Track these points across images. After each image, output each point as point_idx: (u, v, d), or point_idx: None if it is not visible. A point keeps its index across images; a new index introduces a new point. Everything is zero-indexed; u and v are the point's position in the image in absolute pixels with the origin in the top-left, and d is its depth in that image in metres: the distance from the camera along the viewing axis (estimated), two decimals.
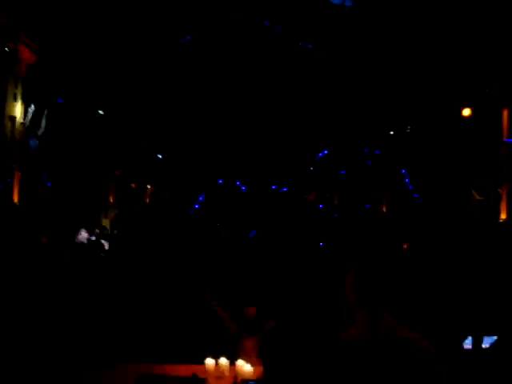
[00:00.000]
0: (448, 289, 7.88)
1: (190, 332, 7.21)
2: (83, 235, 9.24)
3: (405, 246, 8.79)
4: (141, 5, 10.72)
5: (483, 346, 6.38)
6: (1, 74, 9.15)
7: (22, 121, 9.33)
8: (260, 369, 5.99)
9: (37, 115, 9.57)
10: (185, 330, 7.29)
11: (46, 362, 6.21)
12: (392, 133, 11.26)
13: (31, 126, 9.53)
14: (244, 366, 6.10)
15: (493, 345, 6.27)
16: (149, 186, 11.36)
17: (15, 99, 9.29)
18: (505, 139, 9.72)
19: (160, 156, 11.49)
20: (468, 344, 6.69)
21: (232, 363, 5.59)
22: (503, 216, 9.51)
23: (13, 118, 9.22)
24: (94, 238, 9.17)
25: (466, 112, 10.18)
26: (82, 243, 9.10)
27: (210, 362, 6.03)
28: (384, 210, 10.69)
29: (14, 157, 9.30)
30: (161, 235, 9.78)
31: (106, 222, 10.35)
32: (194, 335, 7.12)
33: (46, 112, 9.58)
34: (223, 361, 6.00)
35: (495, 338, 6.22)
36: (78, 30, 10.17)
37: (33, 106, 9.37)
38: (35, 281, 7.79)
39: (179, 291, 8.21)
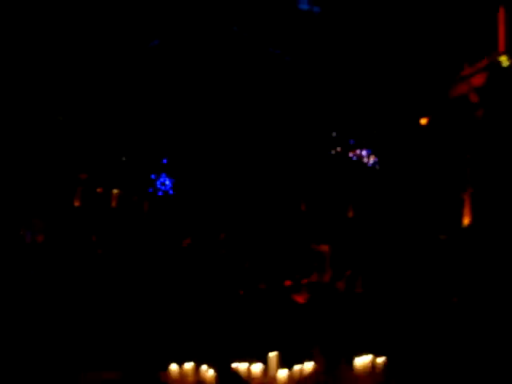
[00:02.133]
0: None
1: (154, 338, 7.16)
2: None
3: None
4: (110, 8, 10.67)
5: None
6: None
7: None
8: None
9: None
10: (149, 336, 7.23)
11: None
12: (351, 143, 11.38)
13: None
14: (208, 371, 6.10)
15: None
16: (115, 190, 11.25)
17: None
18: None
19: (124, 158, 11.40)
20: None
21: (197, 368, 5.58)
22: (466, 221, 9.68)
23: None
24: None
25: (424, 121, 10.37)
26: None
27: (174, 367, 6.01)
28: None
29: None
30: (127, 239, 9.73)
31: None
32: (158, 341, 7.07)
33: None
34: (188, 365, 5.99)
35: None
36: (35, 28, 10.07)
37: None
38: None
39: (148, 294, 8.16)
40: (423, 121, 10.69)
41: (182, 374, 6.05)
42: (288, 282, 8.43)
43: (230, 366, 5.73)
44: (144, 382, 5.70)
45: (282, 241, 10.21)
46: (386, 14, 10.97)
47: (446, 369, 6.74)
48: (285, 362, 6.28)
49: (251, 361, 6.30)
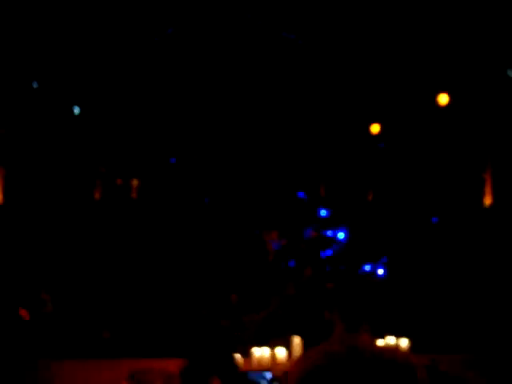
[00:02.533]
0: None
1: (179, 325, 7.22)
2: None
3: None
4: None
5: None
6: None
7: None
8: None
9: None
10: (174, 323, 7.29)
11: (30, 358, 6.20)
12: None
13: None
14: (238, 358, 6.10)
15: None
16: (135, 182, 11.31)
17: None
18: None
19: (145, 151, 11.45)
20: None
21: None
22: (488, 201, 9.59)
23: None
24: None
25: (444, 100, 10.24)
26: None
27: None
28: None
29: None
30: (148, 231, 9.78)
31: None
32: (183, 328, 7.12)
33: None
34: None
35: None
36: (54, 21, 10.10)
37: None
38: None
39: (167, 285, 8.22)
40: (443, 99, 10.54)
41: None
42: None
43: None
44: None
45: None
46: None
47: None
48: (307, 346, 6.29)
49: (274, 345, 6.33)
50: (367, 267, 9.04)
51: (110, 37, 11.04)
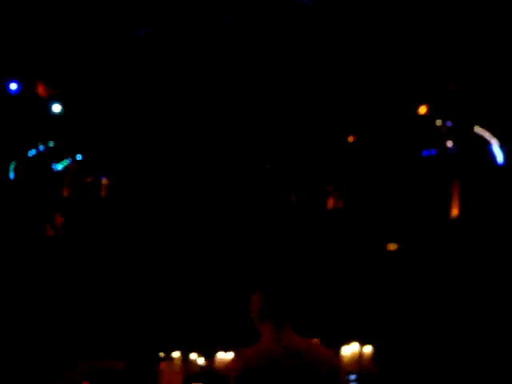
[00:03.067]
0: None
1: (144, 326, 7.16)
2: None
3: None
4: None
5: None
6: None
7: None
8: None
9: None
10: (139, 323, 7.24)
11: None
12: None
13: None
14: (197, 360, 6.11)
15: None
16: (105, 180, 11.21)
17: None
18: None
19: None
20: None
21: (185, 358, 5.60)
22: (455, 213, 9.73)
23: None
24: None
25: (421, 110, 10.37)
26: None
27: (162, 355, 6.03)
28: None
29: None
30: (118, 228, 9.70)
31: None
32: (149, 329, 7.07)
33: None
34: (176, 354, 6.01)
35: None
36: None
37: None
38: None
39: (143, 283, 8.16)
40: (422, 110, 10.67)
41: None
42: None
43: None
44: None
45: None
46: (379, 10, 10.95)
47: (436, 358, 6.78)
48: None
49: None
50: None
51: (92, 31, 10.96)
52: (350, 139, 11.18)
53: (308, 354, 2.75)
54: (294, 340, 2.78)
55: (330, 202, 10.51)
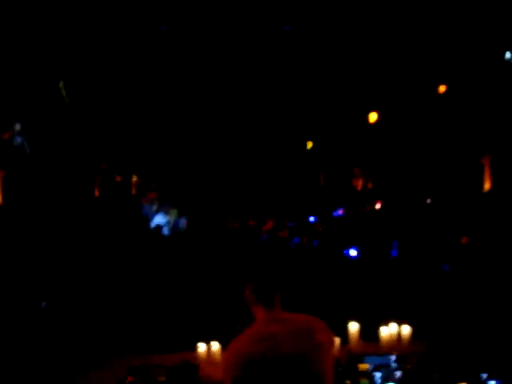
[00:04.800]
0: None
1: (179, 317, 7.23)
2: None
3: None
4: None
5: None
6: None
7: None
8: None
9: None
10: (173, 315, 7.31)
11: (34, 359, 6.22)
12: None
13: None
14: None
15: None
16: (134, 178, 11.31)
17: None
18: None
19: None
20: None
21: (224, 347, 5.63)
22: (487, 186, 9.58)
23: None
24: None
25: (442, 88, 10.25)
26: None
27: (201, 347, 6.07)
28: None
29: None
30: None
31: None
32: (183, 320, 7.14)
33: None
34: (215, 345, 6.05)
35: None
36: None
37: None
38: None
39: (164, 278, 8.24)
40: (442, 88, 10.58)
41: (210, 353, 6.08)
42: None
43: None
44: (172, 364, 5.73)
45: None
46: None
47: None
48: None
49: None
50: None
51: (109, 33, 11.05)
52: (374, 119, 11.09)
53: (305, 333, 2.81)
54: (289, 319, 2.85)
55: (359, 184, 10.44)
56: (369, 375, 5.96)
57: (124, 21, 11.11)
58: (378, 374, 5.96)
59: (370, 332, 6.76)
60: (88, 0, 10.79)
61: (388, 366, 6.12)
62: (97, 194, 10.66)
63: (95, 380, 5.64)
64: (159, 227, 9.88)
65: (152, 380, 5.31)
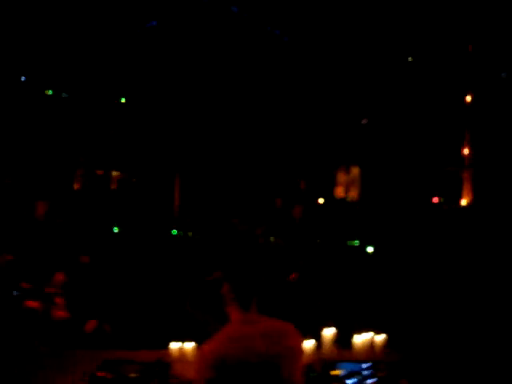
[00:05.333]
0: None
1: (153, 315, 7.19)
2: None
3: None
4: None
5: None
6: None
7: None
8: None
9: None
10: (148, 312, 7.26)
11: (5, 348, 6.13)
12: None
13: None
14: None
15: None
16: (114, 173, 11.25)
17: None
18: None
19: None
20: None
21: (199, 346, 5.60)
22: (466, 201, 9.67)
23: None
24: None
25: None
26: None
27: (174, 346, 6.02)
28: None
29: None
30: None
31: None
32: (157, 318, 7.10)
33: None
34: (189, 345, 6.00)
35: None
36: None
37: None
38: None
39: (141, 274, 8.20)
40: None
41: (182, 352, 6.04)
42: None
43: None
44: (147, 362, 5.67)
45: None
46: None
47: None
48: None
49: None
50: None
51: (96, 25, 10.98)
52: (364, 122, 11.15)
53: (277, 336, 2.88)
54: (263, 322, 2.90)
55: (339, 190, 10.49)
56: (340, 381, 5.96)
57: (114, 16, 11.06)
58: (349, 381, 5.96)
59: (344, 338, 6.77)
60: None
61: (360, 373, 6.12)
62: (76, 186, 10.59)
63: (64, 372, 5.55)
64: None
65: (123, 376, 5.24)
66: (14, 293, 7.18)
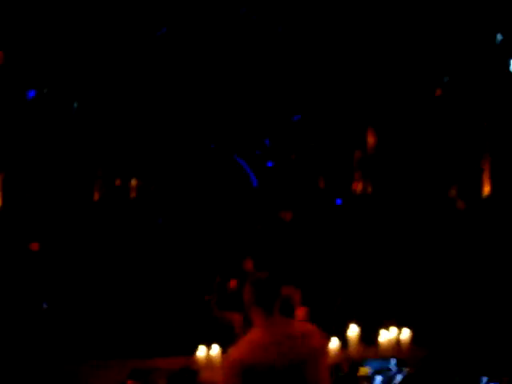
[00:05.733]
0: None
1: (180, 322, 7.24)
2: None
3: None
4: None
5: None
6: None
7: None
8: None
9: None
10: (175, 319, 7.32)
11: (37, 359, 6.23)
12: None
13: None
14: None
15: None
16: (134, 182, 11.32)
17: None
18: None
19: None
20: None
21: (224, 352, 5.64)
22: (486, 190, 9.59)
23: None
24: None
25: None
26: None
27: (201, 352, 6.07)
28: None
29: None
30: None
31: None
32: (184, 325, 7.14)
33: None
34: (215, 350, 6.04)
35: None
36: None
37: None
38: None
39: (166, 282, 8.25)
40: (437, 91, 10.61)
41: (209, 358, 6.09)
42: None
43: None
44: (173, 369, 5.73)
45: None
46: None
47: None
48: None
49: None
50: None
51: (107, 35, 11.06)
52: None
53: (301, 339, 2.88)
54: (287, 326, 2.90)
55: (359, 187, 10.46)
56: (369, 379, 5.97)
57: (123, 23, 11.13)
58: (378, 378, 5.96)
59: (369, 336, 6.77)
60: (87, 2, 10.82)
61: (388, 369, 6.12)
62: (96, 197, 10.67)
63: (95, 381, 5.64)
64: None
65: None
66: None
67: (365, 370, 5.93)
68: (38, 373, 6.13)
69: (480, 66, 10.14)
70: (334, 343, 6.06)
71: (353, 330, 6.40)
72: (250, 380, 2.76)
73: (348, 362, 5.93)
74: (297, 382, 2.83)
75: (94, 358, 6.34)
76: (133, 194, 11.34)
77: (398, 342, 6.47)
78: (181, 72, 11.46)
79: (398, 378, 5.92)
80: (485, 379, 5.62)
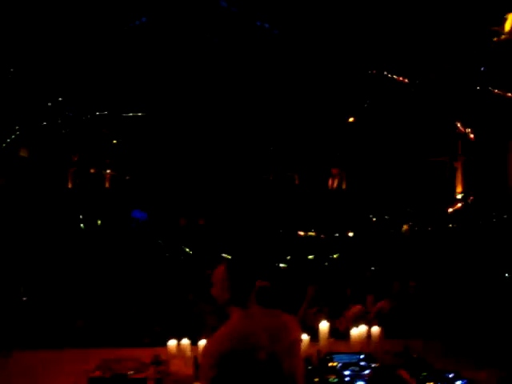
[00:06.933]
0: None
1: (152, 314, 7.22)
2: None
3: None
4: None
5: None
6: None
7: None
8: None
9: None
10: (147, 312, 7.30)
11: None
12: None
13: None
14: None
15: None
16: (108, 171, 11.24)
17: None
18: None
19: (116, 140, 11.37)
20: None
21: (194, 344, 5.64)
22: (459, 190, 9.72)
23: None
24: None
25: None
26: None
27: (172, 343, 6.06)
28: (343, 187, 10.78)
29: None
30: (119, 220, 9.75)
31: None
32: (156, 317, 7.13)
33: None
34: (185, 342, 6.04)
35: None
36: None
37: None
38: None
39: (140, 274, 8.22)
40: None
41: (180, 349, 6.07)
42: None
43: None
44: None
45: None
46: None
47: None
48: None
49: None
50: None
51: (88, 26, 10.95)
52: (351, 120, 11.20)
53: (278, 331, 2.89)
54: (264, 317, 2.91)
55: (334, 183, 10.52)
56: (338, 372, 6.01)
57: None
58: (346, 372, 6.01)
59: (339, 331, 6.82)
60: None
61: (356, 364, 6.18)
62: (70, 185, 10.58)
63: (63, 372, 5.59)
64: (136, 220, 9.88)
65: (121, 374, 5.28)
66: None
67: (333, 364, 5.97)
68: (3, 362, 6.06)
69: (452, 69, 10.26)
70: (304, 336, 6.08)
71: (323, 325, 6.44)
72: (227, 370, 2.77)
73: (318, 356, 5.97)
74: (273, 372, 2.85)
75: (64, 347, 6.30)
76: (107, 184, 11.27)
77: (368, 337, 6.52)
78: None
79: (366, 372, 5.98)
80: (451, 375, 5.69)
